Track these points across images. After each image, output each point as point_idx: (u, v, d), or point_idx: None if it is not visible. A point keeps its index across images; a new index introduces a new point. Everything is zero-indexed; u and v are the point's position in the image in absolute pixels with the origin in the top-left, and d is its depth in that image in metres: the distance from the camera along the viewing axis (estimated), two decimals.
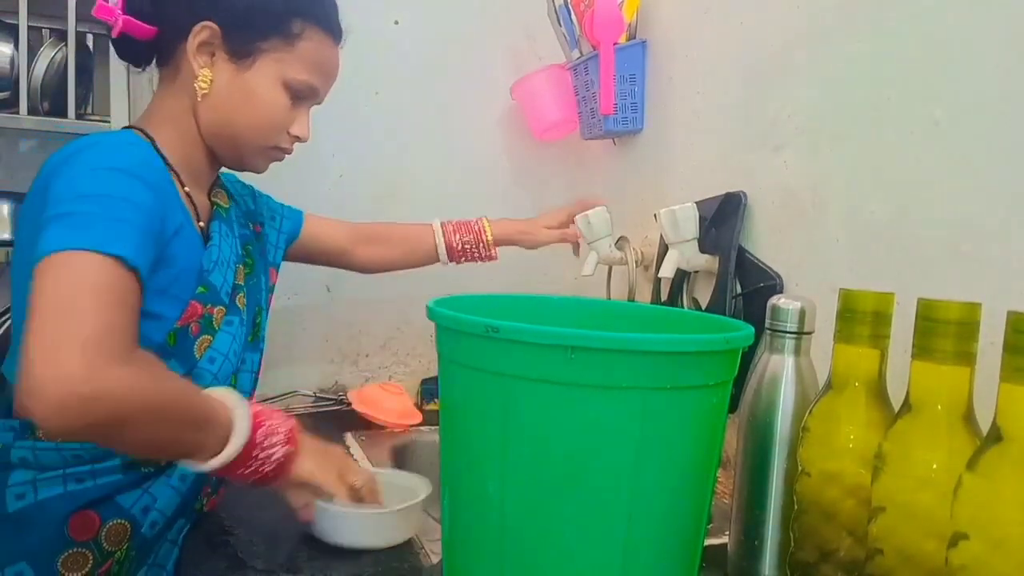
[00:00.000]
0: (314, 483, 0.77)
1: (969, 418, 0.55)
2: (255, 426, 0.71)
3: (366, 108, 1.44)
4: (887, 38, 0.84)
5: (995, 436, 0.50)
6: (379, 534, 0.82)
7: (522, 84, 1.45)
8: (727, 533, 0.79)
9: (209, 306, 0.83)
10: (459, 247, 1.20)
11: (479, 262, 1.23)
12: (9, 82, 1.29)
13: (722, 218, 1.06)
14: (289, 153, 0.92)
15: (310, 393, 1.39)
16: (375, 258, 1.20)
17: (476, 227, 1.21)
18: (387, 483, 0.85)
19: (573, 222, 1.25)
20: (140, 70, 0.91)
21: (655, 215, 1.11)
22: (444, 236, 1.20)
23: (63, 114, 1.28)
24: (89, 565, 0.75)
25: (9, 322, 1.21)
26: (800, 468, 0.68)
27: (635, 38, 1.29)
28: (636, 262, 1.25)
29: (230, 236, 0.91)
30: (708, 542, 0.87)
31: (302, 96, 0.88)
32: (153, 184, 0.74)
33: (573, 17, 1.32)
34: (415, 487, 0.87)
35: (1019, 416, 0.49)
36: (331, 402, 1.38)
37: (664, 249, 1.13)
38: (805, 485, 0.67)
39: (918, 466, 0.56)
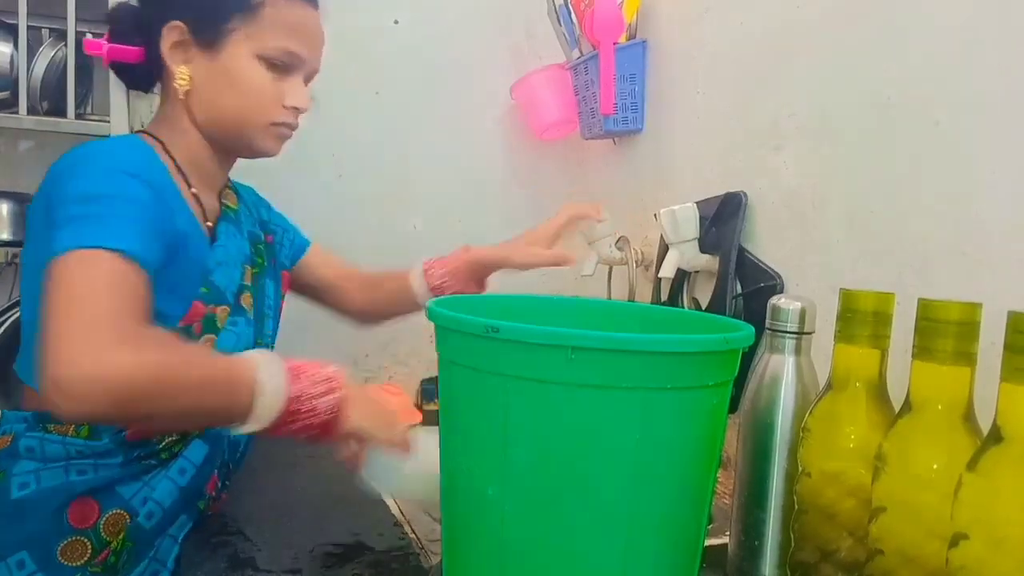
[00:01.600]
0: (365, 434, 0.76)
1: (969, 418, 0.55)
2: (292, 378, 0.71)
3: (366, 108, 1.44)
4: (887, 38, 0.84)
5: (995, 436, 0.50)
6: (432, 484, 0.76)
7: (522, 84, 1.45)
8: (727, 533, 0.79)
9: (212, 306, 0.84)
10: (439, 285, 1.04)
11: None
12: (9, 82, 1.29)
13: (722, 218, 1.06)
14: (295, 127, 0.91)
15: None
16: (368, 305, 1.11)
17: (452, 262, 1.04)
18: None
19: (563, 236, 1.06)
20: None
21: (655, 215, 1.11)
22: (426, 279, 1.04)
23: (63, 114, 1.28)
24: (88, 554, 0.76)
25: (9, 321, 1.21)
26: (800, 468, 0.68)
27: (635, 38, 1.29)
28: (636, 262, 1.25)
29: (237, 236, 0.92)
30: (708, 542, 0.87)
31: (285, 65, 0.87)
32: (154, 183, 0.76)
33: (573, 17, 1.32)
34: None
35: (1019, 416, 0.49)
36: None
37: (664, 249, 1.13)
38: (805, 485, 0.67)
39: (918, 466, 0.56)
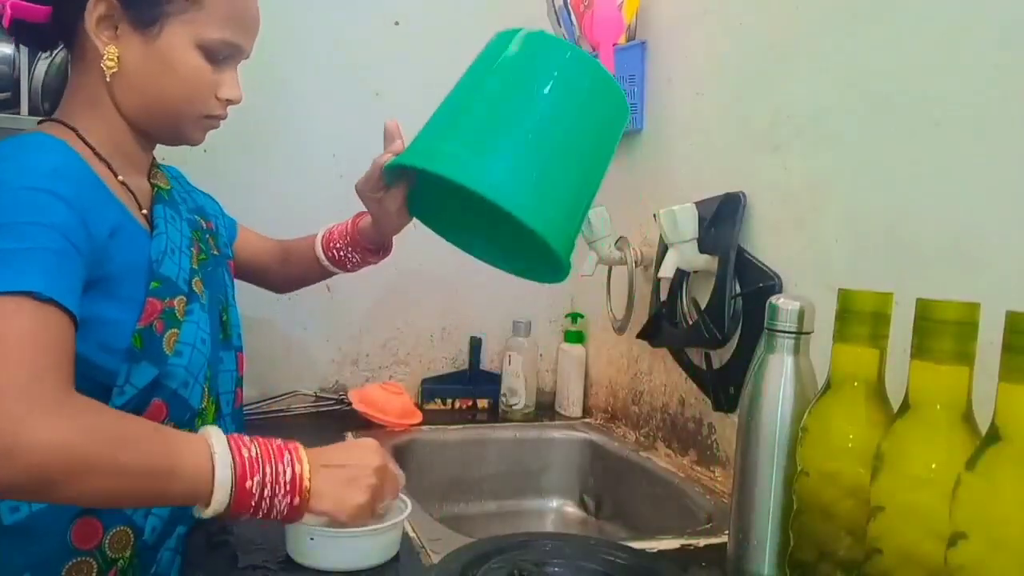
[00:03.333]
0: (336, 522, 0.71)
1: (968, 418, 0.56)
2: (244, 476, 0.65)
3: (366, 108, 1.44)
4: (887, 38, 0.84)
5: (994, 436, 0.50)
6: (347, 556, 0.74)
7: None
8: (727, 532, 0.79)
9: (168, 299, 0.79)
10: (337, 255, 1.06)
11: (371, 262, 1.08)
12: (10, 82, 1.29)
13: (721, 218, 1.06)
14: (223, 118, 0.86)
15: (310, 393, 1.39)
16: (284, 275, 1.14)
17: (348, 225, 1.06)
18: None
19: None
20: (48, 55, 0.84)
21: (655, 215, 1.11)
22: (323, 246, 1.07)
23: None
24: (93, 574, 0.74)
25: None
26: (799, 468, 0.68)
27: (634, 39, 1.29)
28: (635, 262, 1.25)
29: (176, 219, 0.86)
30: (708, 541, 0.87)
31: (223, 56, 0.81)
32: (69, 194, 0.69)
33: (573, 18, 1.32)
34: (395, 505, 0.80)
35: (1018, 416, 0.49)
36: (331, 402, 1.38)
37: (664, 249, 1.14)
38: (804, 485, 0.67)
39: (917, 466, 0.56)
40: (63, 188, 0.69)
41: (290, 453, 0.69)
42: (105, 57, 0.77)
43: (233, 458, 0.65)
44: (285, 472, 0.67)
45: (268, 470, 0.67)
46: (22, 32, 0.81)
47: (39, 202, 0.66)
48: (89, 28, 0.76)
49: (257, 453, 0.67)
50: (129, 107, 0.80)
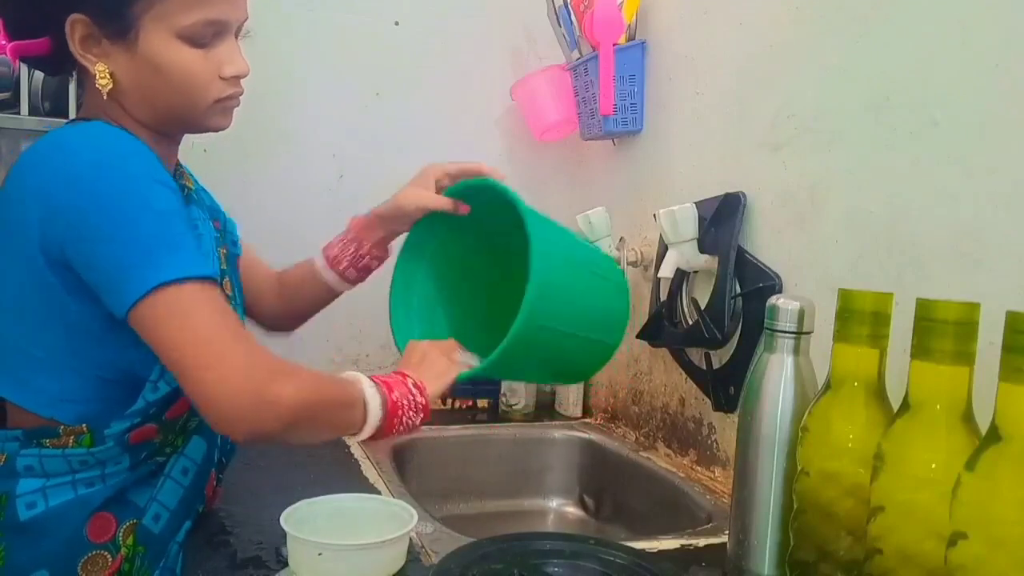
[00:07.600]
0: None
1: (968, 418, 0.56)
2: (391, 411, 0.79)
3: (366, 108, 1.44)
4: (886, 38, 0.84)
5: (994, 436, 0.50)
6: (356, 570, 0.74)
7: (522, 85, 1.45)
8: (727, 532, 0.79)
9: None
10: (344, 264, 1.03)
11: (377, 264, 1.06)
12: (10, 82, 1.29)
13: (721, 218, 1.06)
14: (239, 94, 0.82)
15: None
16: (285, 306, 1.07)
17: (348, 232, 1.04)
18: (372, 511, 0.80)
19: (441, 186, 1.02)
20: (71, 76, 0.84)
21: (655, 215, 1.11)
22: (327, 261, 1.03)
23: (64, 115, 1.28)
24: (109, 566, 0.75)
25: None
26: (799, 468, 0.68)
27: (634, 39, 1.29)
28: (634, 263, 1.25)
29: (207, 220, 0.87)
30: (708, 541, 0.87)
31: (210, 36, 0.77)
32: (169, 182, 0.73)
33: (573, 18, 1.32)
34: (400, 516, 0.79)
35: (1018, 416, 0.49)
36: None
37: (663, 249, 1.14)
38: (804, 485, 0.67)
39: (917, 466, 0.56)
40: (163, 176, 0.73)
41: (409, 393, 0.83)
42: (97, 77, 0.75)
43: (380, 397, 0.79)
44: (418, 407, 0.84)
45: (405, 403, 0.82)
46: (34, 63, 0.83)
47: (163, 192, 0.72)
48: (75, 51, 0.75)
49: (397, 396, 0.81)
50: (140, 116, 0.79)
